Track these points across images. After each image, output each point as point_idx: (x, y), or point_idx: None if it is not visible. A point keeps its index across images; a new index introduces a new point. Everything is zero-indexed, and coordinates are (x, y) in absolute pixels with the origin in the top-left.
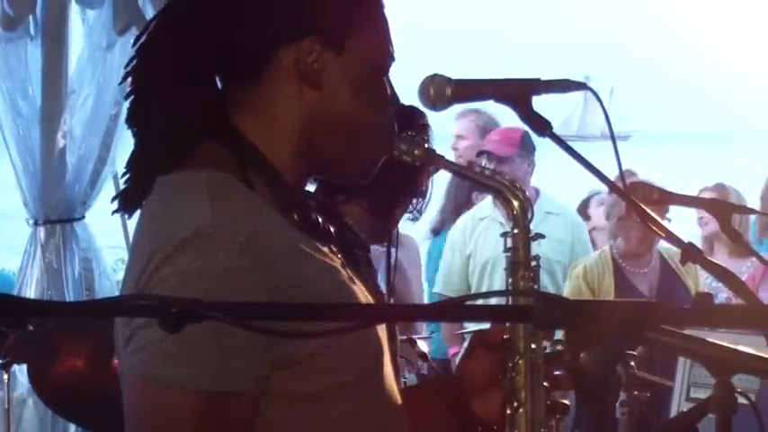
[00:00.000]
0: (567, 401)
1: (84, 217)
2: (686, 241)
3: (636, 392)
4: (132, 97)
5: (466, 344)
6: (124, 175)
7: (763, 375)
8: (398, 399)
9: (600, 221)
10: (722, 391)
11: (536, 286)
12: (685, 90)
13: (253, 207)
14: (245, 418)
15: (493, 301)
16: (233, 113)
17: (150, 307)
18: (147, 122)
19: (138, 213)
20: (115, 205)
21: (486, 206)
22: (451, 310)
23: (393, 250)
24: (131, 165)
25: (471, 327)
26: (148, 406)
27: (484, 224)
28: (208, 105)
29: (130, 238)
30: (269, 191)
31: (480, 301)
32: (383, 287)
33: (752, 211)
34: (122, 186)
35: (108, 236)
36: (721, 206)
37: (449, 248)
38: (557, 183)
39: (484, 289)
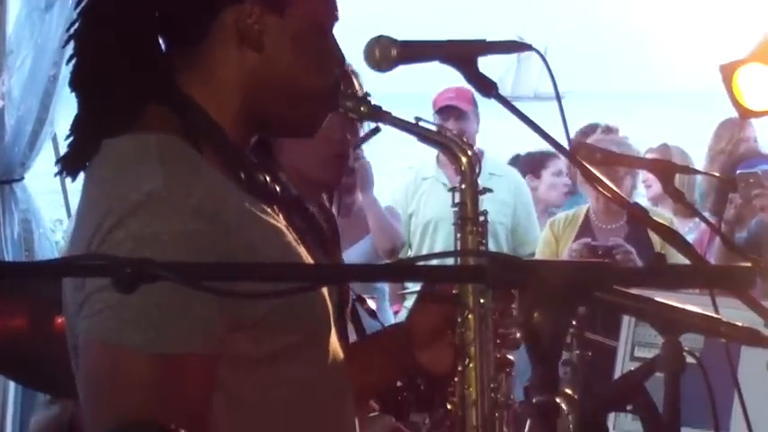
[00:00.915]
0: (511, 357)
1: (23, 178)
2: (632, 201)
3: (579, 352)
4: (75, 61)
5: (407, 303)
6: (68, 137)
7: (711, 334)
8: (342, 359)
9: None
10: (670, 351)
11: (484, 241)
12: (617, 51)
13: (202, 170)
14: (204, 379)
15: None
16: (178, 77)
17: (104, 267)
18: (91, 86)
19: (80, 176)
20: (56, 168)
21: (429, 166)
22: (404, 270)
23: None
24: (75, 128)
25: (412, 287)
26: (106, 370)
27: (427, 184)
28: (152, 68)
29: (70, 200)
30: (216, 153)
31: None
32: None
33: (696, 171)
34: (65, 149)
35: (47, 197)
36: (664, 166)
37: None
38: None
39: (425, 249)
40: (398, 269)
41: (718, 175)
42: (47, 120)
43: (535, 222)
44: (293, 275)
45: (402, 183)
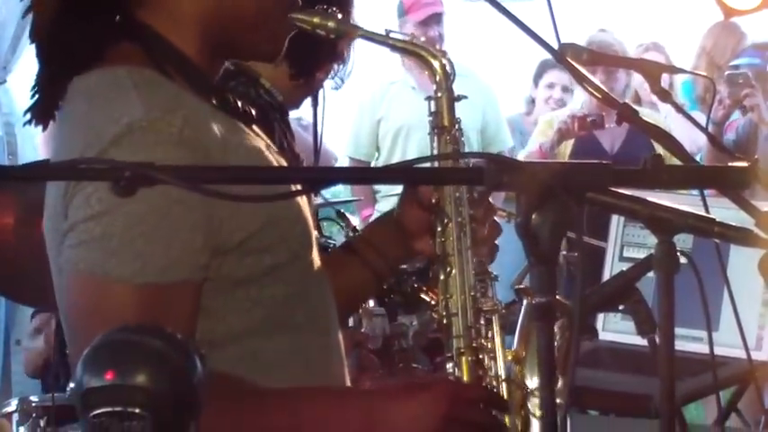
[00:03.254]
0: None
1: (5, 81)
2: (621, 101)
3: (566, 252)
4: (32, 12)
5: (379, 206)
6: (33, 88)
7: (705, 234)
8: (324, 273)
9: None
10: (664, 251)
11: (458, 149)
12: None
13: (178, 98)
14: (189, 306)
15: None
16: (137, 10)
17: (103, 171)
18: (52, 34)
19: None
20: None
21: (396, 70)
22: (401, 172)
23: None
24: (39, 79)
25: (384, 190)
26: (92, 301)
27: (395, 88)
28: (111, 7)
29: None
30: (186, 81)
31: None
32: None
33: (683, 70)
34: (32, 99)
35: (29, 100)
36: (651, 66)
37: (358, 112)
38: None
39: (397, 155)
40: (397, 171)
41: (705, 74)
42: (29, 23)
43: (503, 122)
44: (291, 178)
45: (369, 87)
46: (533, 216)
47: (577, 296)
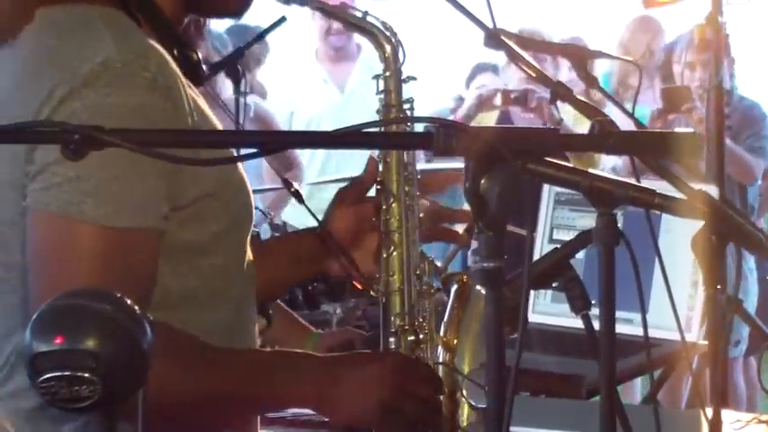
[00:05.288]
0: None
1: None
2: (555, 80)
3: None
4: None
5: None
6: None
7: (645, 205)
8: (250, 255)
9: None
10: (605, 223)
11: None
12: None
13: (149, 44)
14: (154, 254)
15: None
16: None
17: (52, 134)
18: None
19: None
20: None
21: (307, 61)
22: (351, 137)
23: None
24: None
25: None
26: (66, 242)
27: (307, 80)
28: None
29: None
30: (151, 29)
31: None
32: None
33: (609, 56)
34: None
35: None
36: (577, 51)
37: (271, 105)
38: None
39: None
40: (346, 136)
41: (631, 59)
42: None
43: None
44: (244, 141)
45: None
46: (482, 181)
47: (527, 267)
